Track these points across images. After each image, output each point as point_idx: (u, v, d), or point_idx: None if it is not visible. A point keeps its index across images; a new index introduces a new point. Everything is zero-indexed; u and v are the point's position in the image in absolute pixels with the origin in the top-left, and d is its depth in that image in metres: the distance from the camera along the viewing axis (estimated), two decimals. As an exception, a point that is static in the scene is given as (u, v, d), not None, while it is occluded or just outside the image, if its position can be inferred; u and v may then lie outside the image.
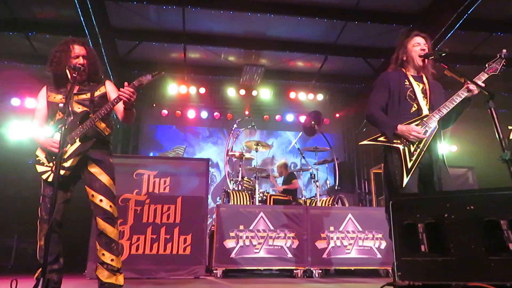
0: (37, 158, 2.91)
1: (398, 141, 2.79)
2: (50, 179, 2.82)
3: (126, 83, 2.81)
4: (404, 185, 2.67)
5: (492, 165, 3.17)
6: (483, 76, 2.74)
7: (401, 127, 2.78)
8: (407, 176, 2.68)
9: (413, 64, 3.01)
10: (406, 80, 2.96)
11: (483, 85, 2.65)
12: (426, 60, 2.96)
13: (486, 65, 2.79)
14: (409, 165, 2.71)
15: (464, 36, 7.31)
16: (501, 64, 2.75)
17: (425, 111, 2.85)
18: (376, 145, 2.92)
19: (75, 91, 2.96)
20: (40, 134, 2.92)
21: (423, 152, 2.74)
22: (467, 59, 8.04)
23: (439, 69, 2.81)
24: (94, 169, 2.89)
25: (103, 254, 2.82)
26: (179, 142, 10.32)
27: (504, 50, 2.78)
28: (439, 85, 3.07)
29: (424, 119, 2.80)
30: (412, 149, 2.75)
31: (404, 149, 2.76)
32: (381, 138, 2.88)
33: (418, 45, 3.00)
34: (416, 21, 7.12)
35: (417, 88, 2.93)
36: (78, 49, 2.96)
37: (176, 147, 10.23)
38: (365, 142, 2.94)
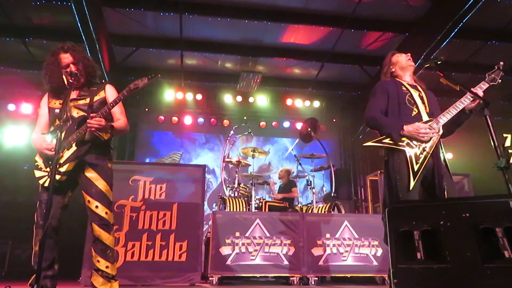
0: (35, 164, 2.91)
1: (404, 143, 2.76)
2: (46, 184, 2.81)
3: (92, 114, 2.80)
4: (411, 188, 2.63)
5: (488, 173, 3.18)
6: (484, 85, 2.79)
7: (408, 127, 2.76)
8: (414, 180, 2.65)
9: (404, 69, 3.10)
10: (403, 87, 3.00)
11: (481, 94, 2.71)
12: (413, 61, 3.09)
13: (486, 75, 2.84)
14: (416, 168, 2.68)
15: (459, 44, 7.37)
16: (499, 76, 2.81)
17: (425, 116, 2.86)
18: (374, 152, 2.91)
19: (75, 97, 2.97)
20: (37, 140, 2.92)
21: (429, 155, 2.73)
22: (462, 67, 8.11)
23: (434, 76, 2.84)
24: (91, 174, 2.88)
25: (98, 261, 2.80)
26: (175, 148, 10.30)
27: (502, 63, 2.85)
28: (432, 94, 3.11)
29: (429, 122, 2.80)
30: (418, 152, 2.73)
31: (410, 152, 2.73)
32: (386, 140, 2.82)
33: (400, 55, 3.14)
34: (412, 29, 7.18)
35: (414, 93, 2.96)
36: (65, 58, 2.93)
37: (172, 153, 10.20)
38: (369, 143, 2.88)
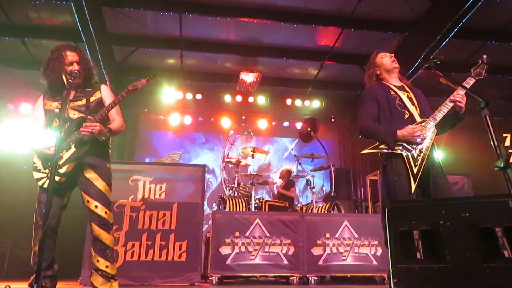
0: (34, 165, 2.91)
1: (400, 148, 2.76)
2: (46, 185, 2.81)
3: (86, 124, 2.82)
4: (413, 191, 2.63)
5: (488, 172, 3.18)
6: (471, 81, 2.82)
7: (401, 132, 2.76)
8: (414, 182, 2.65)
9: (389, 72, 3.09)
10: (390, 90, 2.99)
11: (468, 86, 2.75)
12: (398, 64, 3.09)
13: (471, 71, 2.87)
14: (415, 170, 2.68)
15: (459, 44, 7.37)
16: (484, 69, 2.83)
17: (417, 117, 2.87)
18: (374, 153, 2.90)
19: (70, 98, 2.97)
20: (36, 141, 2.92)
21: (426, 156, 2.73)
22: (461, 67, 8.10)
23: (434, 76, 2.84)
24: (90, 175, 2.88)
25: (98, 261, 2.81)
26: (175, 148, 10.29)
27: (485, 56, 2.88)
28: (421, 91, 3.12)
29: (422, 124, 2.80)
30: (416, 154, 2.73)
31: (407, 155, 2.73)
32: (383, 146, 2.83)
33: (385, 56, 3.13)
34: (411, 29, 7.18)
35: (403, 96, 2.96)
36: (71, 56, 2.98)
37: (172, 153, 10.20)
38: (366, 151, 2.88)
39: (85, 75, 3.05)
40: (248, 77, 8.70)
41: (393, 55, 3.13)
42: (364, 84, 3.26)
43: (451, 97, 2.80)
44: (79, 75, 2.95)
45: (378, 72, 3.12)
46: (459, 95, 2.77)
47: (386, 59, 3.11)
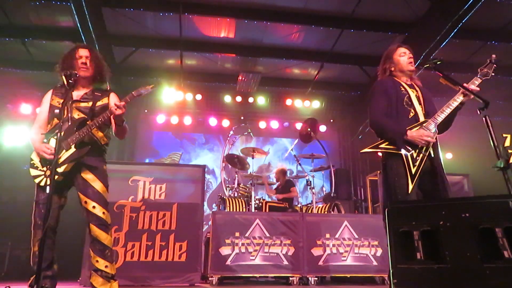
0: (31, 162, 2.91)
1: (401, 147, 2.76)
2: (42, 184, 2.81)
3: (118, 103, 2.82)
4: (410, 191, 2.63)
5: (488, 173, 3.18)
6: (477, 81, 2.79)
7: (411, 133, 2.75)
8: (412, 183, 2.65)
9: (403, 72, 3.07)
10: (401, 87, 2.99)
11: (477, 89, 2.72)
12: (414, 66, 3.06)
13: (478, 70, 2.84)
14: (413, 171, 2.67)
15: (459, 44, 7.37)
16: (492, 69, 2.80)
17: (421, 117, 2.86)
18: (374, 152, 2.89)
19: (78, 98, 2.99)
20: (36, 138, 2.92)
21: (425, 157, 2.73)
22: (462, 67, 8.11)
23: (434, 76, 2.84)
24: (88, 176, 2.88)
25: (97, 261, 2.81)
26: (175, 148, 10.30)
27: (494, 55, 2.84)
28: (429, 92, 3.11)
29: (424, 124, 2.80)
30: (415, 154, 2.72)
31: (407, 155, 2.72)
32: (383, 145, 2.82)
33: (404, 54, 3.08)
34: (411, 29, 7.18)
35: (412, 94, 2.95)
36: (82, 52, 3.04)
37: (172, 153, 10.20)
38: (367, 149, 2.88)
39: (95, 73, 3.06)
40: (247, 77, 8.69)
41: (411, 57, 3.08)
42: (371, 80, 3.26)
43: (467, 85, 2.75)
44: (86, 69, 2.99)
45: (393, 68, 3.10)
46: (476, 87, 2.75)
47: (404, 59, 3.06)
